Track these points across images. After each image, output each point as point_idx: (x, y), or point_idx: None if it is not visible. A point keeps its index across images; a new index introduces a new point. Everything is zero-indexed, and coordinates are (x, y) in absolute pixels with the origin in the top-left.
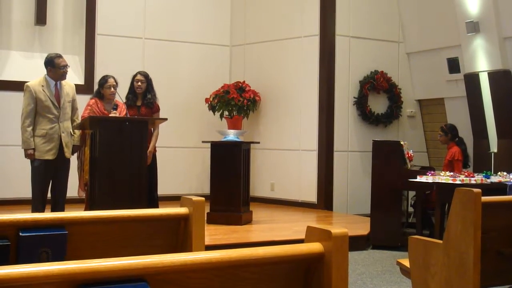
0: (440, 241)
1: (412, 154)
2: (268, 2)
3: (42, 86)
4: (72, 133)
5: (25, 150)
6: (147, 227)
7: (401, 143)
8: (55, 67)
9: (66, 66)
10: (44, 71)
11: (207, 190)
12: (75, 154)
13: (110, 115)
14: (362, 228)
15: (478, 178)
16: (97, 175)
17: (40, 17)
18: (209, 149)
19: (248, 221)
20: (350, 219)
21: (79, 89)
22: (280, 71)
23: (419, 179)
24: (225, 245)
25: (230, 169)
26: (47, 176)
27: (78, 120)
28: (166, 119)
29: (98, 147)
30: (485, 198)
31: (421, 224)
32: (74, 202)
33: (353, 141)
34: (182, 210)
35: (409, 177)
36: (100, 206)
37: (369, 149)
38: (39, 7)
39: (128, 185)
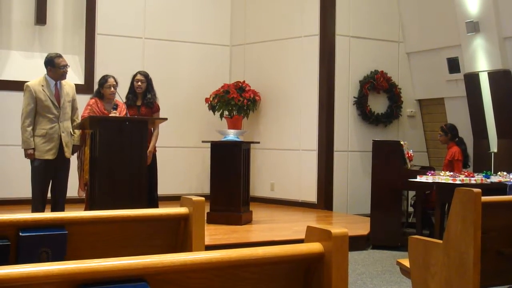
0: (440, 241)
1: (412, 154)
2: (268, 2)
3: (42, 86)
4: (72, 133)
5: (25, 150)
6: (147, 227)
7: (401, 143)
8: (55, 67)
9: (66, 66)
10: (44, 71)
11: (207, 190)
12: (75, 154)
13: (110, 115)
14: (362, 228)
15: (478, 178)
16: (97, 175)
17: (40, 17)
18: (209, 149)
19: (248, 221)
20: (350, 219)
21: (79, 89)
22: (280, 71)
23: (419, 179)
24: (225, 245)
25: (230, 169)
26: (47, 176)
27: (78, 120)
28: (166, 119)
29: (98, 147)
30: (485, 198)
31: (421, 224)
32: (74, 202)
33: (353, 141)
34: (182, 210)
35: (409, 177)
36: (100, 206)
37: (369, 149)
38: (39, 7)
39: (128, 185)
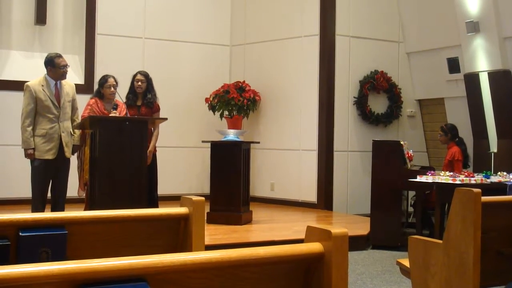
0: (440, 241)
1: (412, 154)
2: (268, 2)
3: (42, 85)
4: (72, 132)
5: (25, 150)
6: (147, 227)
7: (401, 143)
8: (55, 67)
9: (66, 65)
10: (44, 70)
11: (207, 190)
12: (75, 154)
13: (110, 114)
14: (362, 228)
15: (478, 178)
16: (97, 174)
17: (40, 17)
18: (209, 149)
19: (248, 221)
20: (350, 219)
21: (79, 89)
22: (280, 71)
23: (419, 179)
24: (225, 245)
25: (230, 169)
26: (47, 176)
27: (78, 119)
28: (166, 118)
29: (98, 147)
30: (485, 198)
31: (421, 224)
32: (74, 202)
33: (353, 141)
34: (182, 210)
35: (409, 177)
36: (100, 206)
37: (369, 149)
38: (39, 6)
39: (128, 185)
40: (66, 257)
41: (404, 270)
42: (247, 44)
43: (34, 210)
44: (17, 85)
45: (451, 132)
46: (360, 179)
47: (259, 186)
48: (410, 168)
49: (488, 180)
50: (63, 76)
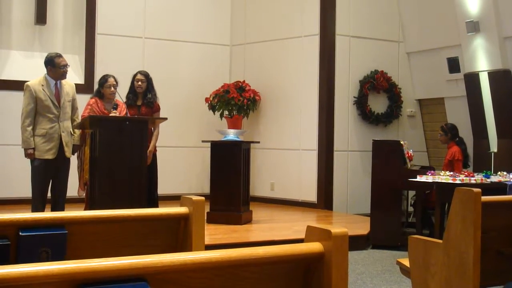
0: (440, 241)
1: (412, 154)
2: (268, 2)
3: (42, 85)
4: (72, 132)
5: (25, 150)
6: (147, 227)
7: (401, 142)
8: (55, 67)
9: (66, 65)
10: (44, 70)
11: (207, 189)
12: (75, 154)
13: (110, 114)
14: (362, 227)
15: (478, 178)
16: (97, 174)
17: (40, 17)
18: (209, 149)
19: (248, 221)
20: (350, 219)
21: (79, 89)
22: (280, 71)
23: (419, 178)
24: (225, 244)
25: (230, 168)
26: (47, 175)
27: (78, 119)
28: (166, 118)
29: (98, 147)
30: (485, 198)
31: (421, 223)
32: (74, 201)
33: (353, 141)
34: (182, 209)
35: (409, 176)
36: (100, 206)
37: (369, 149)
38: (39, 6)
39: (128, 185)
40: (66, 257)
41: (404, 270)
42: (247, 44)
43: (34, 210)
44: (17, 85)
45: (451, 132)
46: (360, 179)
47: (259, 186)
48: (410, 168)
49: (488, 180)
50: (63, 76)
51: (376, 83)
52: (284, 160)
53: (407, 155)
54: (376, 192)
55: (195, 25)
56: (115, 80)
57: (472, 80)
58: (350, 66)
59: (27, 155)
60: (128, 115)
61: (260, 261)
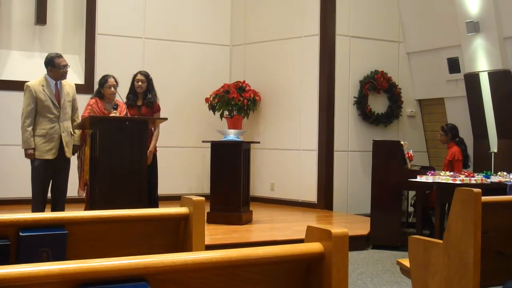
0: (440, 241)
1: (412, 154)
2: (268, 2)
3: (42, 86)
4: (72, 132)
5: (25, 150)
6: (147, 227)
7: (401, 143)
8: (55, 67)
9: (66, 65)
10: (44, 70)
11: (207, 190)
12: (75, 154)
13: (110, 114)
14: (362, 228)
15: (478, 178)
16: (97, 175)
17: (40, 17)
18: (209, 149)
19: (248, 221)
20: (350, 219)
21: (79, 89)
22: (280, 71)
23: (419, 179)
24: (225, 245)
25: (230, 169)
26: (47, 175)
27: (78, 119)
28: (166, 118)
29: (98, 147)
30: (485, 198)
31: (421, 224)
32: (74, 202)
33: (353, 141)
34: (182, 210)
35: (409, 177)
36: (100, 206)
37: (369, 149)
38: (39, 6)
39: (128, 185)
40: (66, 257)
41: (404, 270)
42: (247, 44)
43: (34, 210)
44: (17, 85)
45: (451, 132)
46: (360, 179)
47: (259, 186)
48: (410, 168)
49: (488, 180)
50: (63, 76)
51: (376, 83)
52: (284, 160)
53: (407, 155)
54: (376, 192)
55: (195, 25)
56: (115, 80)
57: (472, 80)
58: (350, 66)
59: (27, 155)
60: (128, 115)
61: (260, 261)
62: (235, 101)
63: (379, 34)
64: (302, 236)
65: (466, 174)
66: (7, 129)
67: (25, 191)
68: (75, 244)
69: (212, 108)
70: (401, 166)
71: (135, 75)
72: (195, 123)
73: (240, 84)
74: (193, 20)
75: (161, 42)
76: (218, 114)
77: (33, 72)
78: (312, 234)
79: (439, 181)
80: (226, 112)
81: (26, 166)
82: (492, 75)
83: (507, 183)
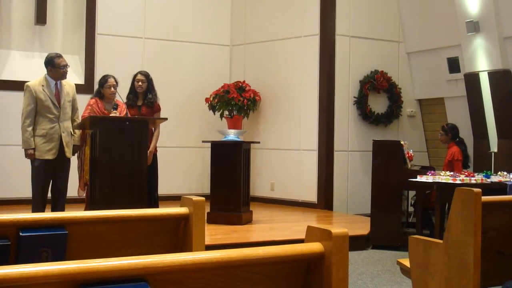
0: (440, 241)
1: (412, 154)
2: (268, 2)
3: (42, 86)
4: (72, 133)
5: (25, 150)
6: (147, 227)
7: (401, 142)
8: (55, 67)
9: (66, 66)
10: (44, 71)
11: (207, 190)
12: (75, 154)
13: (110, 115)
14: (362, 228)
15: (478, 178)
16: (97, 175)
17: (40, 17)
18: (209, 149)
19: (248, 221)
20: (350, 219)
21: (79, 89)
22: (280, 71)
23: (419, 178)
24: (225, 245)
25: (230, 169)
26: (47, 176)
27: (79, 120)
28: (166, 118)
29: (98, 147)
30: (485, 198)
31: (421, 224)
32: (74, 202)
33: (353, 141)
34: (182, 210)
35: (409, 176)
36: (100, 206)
37: (369, 149)
38: (39, 6)
39: (128, 185)
40: (66, 257)
41: (404, 270)
42: (247, 44)
43: (34, 210)
44: (17, 85)
45: (451, 132)
46: (360, 179)
47: (259, 186)
48: (410, 168)
49: (488, 180)
50: (63, 76)
51: (376, 83)
52: (284, 160)
53: (407, 155)
54: (376, 192)
55: (195, 25)
56: (115, 81)
57: (472, 80)
58: (350, 66)
59: (27, 155)
60: (129, 115)
61: (260, 261)
62: (235, 101)
63: (379, 34)
64: (302, 236)
65: (466, 174)
66: (7, 129)
67: (25, 191)
68: (75, 244)
69: (212, 108)
70: (401, 166)
71: (135, 75)
72: (195, 123)
73: (240, 84)
74: (193, 20)
75: (161, 42)
76: (218, 114)
77: (33, 72)
78: (312, 234)
79: (439, 181)
80: (226, 112)
81: (26, 166)
82: (492, 75)
83: (507, 183)
